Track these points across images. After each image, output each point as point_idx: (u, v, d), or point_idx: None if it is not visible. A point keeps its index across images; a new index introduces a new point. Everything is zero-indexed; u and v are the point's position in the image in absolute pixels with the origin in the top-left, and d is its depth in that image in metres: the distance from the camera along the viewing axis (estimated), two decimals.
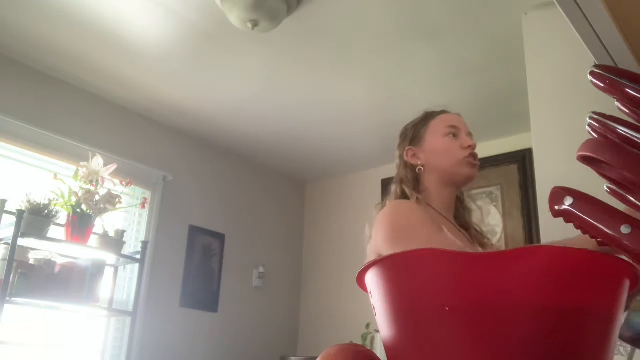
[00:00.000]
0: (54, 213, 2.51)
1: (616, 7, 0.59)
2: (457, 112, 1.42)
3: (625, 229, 0.63)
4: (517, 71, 2.43)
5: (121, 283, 3.11)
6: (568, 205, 0.70)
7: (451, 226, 1.27)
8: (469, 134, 1.34)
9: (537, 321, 0.66)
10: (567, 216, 0.70)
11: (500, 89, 2.97)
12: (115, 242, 2.73)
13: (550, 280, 0.67)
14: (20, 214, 2.38)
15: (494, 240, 3.26)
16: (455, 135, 1.31)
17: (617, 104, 0.67)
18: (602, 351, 0.69)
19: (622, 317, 0.73)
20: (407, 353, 0.75)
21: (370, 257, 1.22)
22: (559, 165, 1.24)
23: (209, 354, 3.54)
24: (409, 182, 1.32)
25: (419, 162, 1.33)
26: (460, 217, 1.37)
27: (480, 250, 1.27)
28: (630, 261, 0.67)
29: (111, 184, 2.71)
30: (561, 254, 0.70)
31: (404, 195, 1.32)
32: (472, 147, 1.30)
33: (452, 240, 1.18)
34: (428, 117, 1.39)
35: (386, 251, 1.17)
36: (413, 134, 1.39)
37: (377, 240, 1.20)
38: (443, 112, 1.40)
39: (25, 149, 2.88)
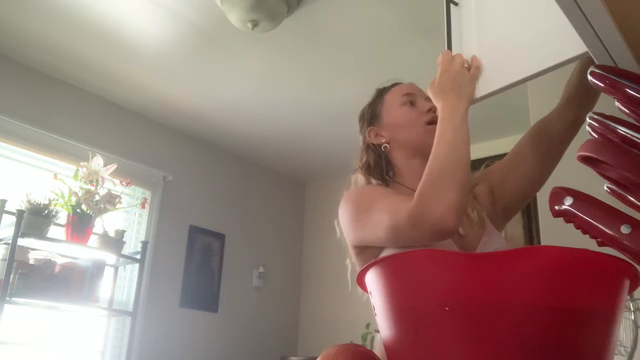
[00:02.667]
0: (54, 213, 2.51)
1: (616, 7, 0.59)
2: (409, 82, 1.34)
3: (625, 229, 0.63)
4: None
5: (121, 283, 3.11)
6: (568, 205, 0.70)
7: None
8: (427, 99, 1.21)
9: (537, 321, 0.66)
10: (567, 216, 0.70)
11: None
12: (115, 242, 2.73)
13: (550, 280, 0.67)
14: (20, 214, 2.38)
15: None
16: (412, 103, 1.24)
17: (617, 104, 0.67)
18: (602, 351, 0.69)
19: (622, 317, 0.73)
20: (407, 353, 0.75)
21: (350, 252, 1.17)
22: (559, 165, 1.23)
23: (209, 354, 3.54)
24: (375, 167, 1.25)
25: (383, 140, 1.24)
26: None
27: (473, 216, 1.18)
28: (630, 261, 0.67)
29: (111, 184, 2.71)
30: (561, 254, 0.70)
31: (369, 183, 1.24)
32: (433, 109, 1.19)
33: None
34: (382, 93, 1.33)
35: (354, 237, 1.14)
36: (370, 113, 1.32)
37: (345, 233, 1.16)
38: (395, 84, 1.34)
39: (25, 149, 2.89)
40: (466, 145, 1.00)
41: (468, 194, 0.99)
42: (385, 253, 1.08)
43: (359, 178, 1.28)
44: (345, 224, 1.17)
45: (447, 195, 0.93)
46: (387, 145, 1.24)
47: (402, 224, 0.98)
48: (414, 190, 1.01)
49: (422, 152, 1.17)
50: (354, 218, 1.14)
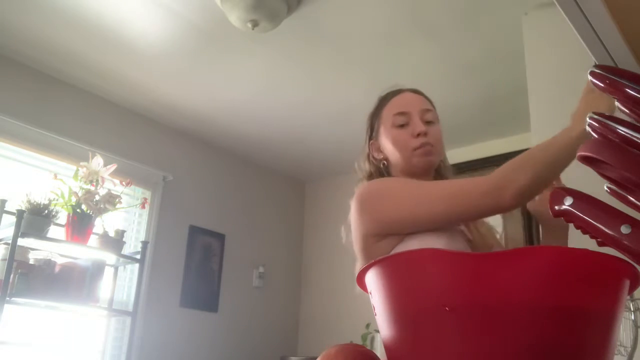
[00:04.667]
0: (54, 213, 2.51)
1: (616, 7, 0.59)
2: (414, 89, 1.34)
3: (625, 229, 0.63)
4: (517, 71, 2.43)
5: (121, 283, 3.10)
6: (568, 205, 0.70)
7: None
8: (423, 111, 1.24)
9: (537, 321, 0.66)
10: (567, 216, 0.70)
11: (500, 89, 2.97)
12: (115, 242, 2.73)
13: (550, 280, 0.67)
14: (20, 214, 2.38)
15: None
16: (404, 125, 1.23)
17: (617, 104, 0.67)
18: (602, 351, 0.69)
19: (622, 317, 0.73)
20: (407, 353, 0.75)
21: (356, 248, 1.15)
22: None
23: (209, 354, 3.54)
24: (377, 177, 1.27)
25: (381, 157, 1.27)
26: None
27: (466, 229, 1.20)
28: (630, 261, 0.67)
29: (111, 184, 2.71)
30: (561, 254, 0.70)
31: None
32: (422, 133, 1.20)
33: (429, 185, 1.12)
34: (381, 105, 1.33)
35: (376, 221, 1.10)
36: (371, 125, 1.34)
37: (360, 226, 1.12)
38: (395, 93, 1.33)
39: (25, 149, 2.88)
40: (566, 160, 0.97)
41: (540, 191, 1.04)
42: (404, 243, 1.06)
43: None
44: (363, 214, 1.12)
45: (523, 177, 0.97)
46: (384, 162, 1.28)
47: (481, 189, 1.00)
48: None
49: (413, 173, 1.21)
50: (377, 201, 1.11)
